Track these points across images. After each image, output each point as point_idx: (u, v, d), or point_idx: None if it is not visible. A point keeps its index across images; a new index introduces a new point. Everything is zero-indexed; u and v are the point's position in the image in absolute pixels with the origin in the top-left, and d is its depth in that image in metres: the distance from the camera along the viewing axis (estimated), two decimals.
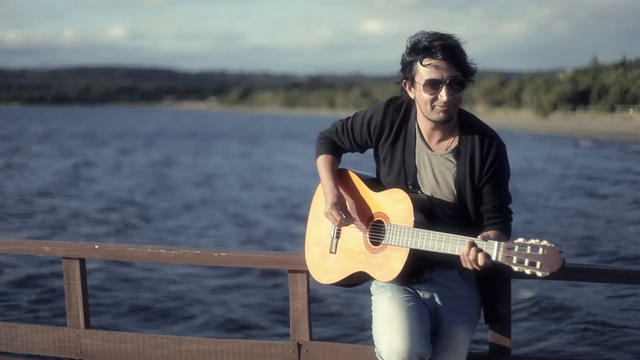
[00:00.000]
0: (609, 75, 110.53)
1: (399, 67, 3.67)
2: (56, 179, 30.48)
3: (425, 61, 3.50)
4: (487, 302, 3.83)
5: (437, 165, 3.68)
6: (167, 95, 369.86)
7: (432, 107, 3.55)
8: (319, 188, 3.94)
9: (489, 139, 3.66)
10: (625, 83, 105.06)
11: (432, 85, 3.51)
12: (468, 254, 3.33)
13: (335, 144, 3.94)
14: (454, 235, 3.42)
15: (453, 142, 3.68)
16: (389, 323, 3.53)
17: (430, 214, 3.62)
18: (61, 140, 62.08)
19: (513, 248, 3.22)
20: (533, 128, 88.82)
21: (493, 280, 3.74)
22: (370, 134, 3.80)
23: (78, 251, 4.58)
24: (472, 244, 3.34)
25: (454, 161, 3.65)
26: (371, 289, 3.81)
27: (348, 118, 3.93)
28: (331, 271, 3.86)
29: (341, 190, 3.81)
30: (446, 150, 3.68)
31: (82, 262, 4.57)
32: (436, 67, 3.49)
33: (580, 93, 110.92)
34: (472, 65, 3.60)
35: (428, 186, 3.68)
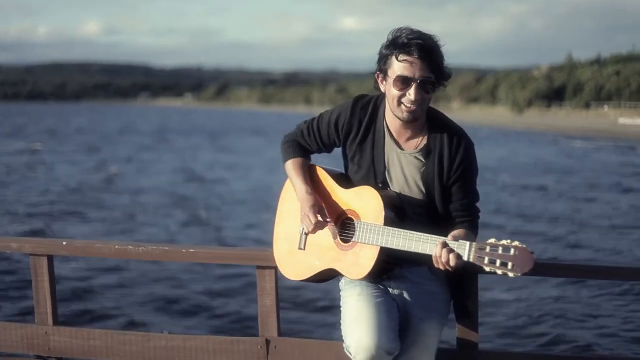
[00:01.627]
0: (584, 72, 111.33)
1: (376, 60, 3.66)
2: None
3: (401, 57, 3.49)
4: (456, 298, 3.86)
5: (406, 163, 3.68)
6: (142, 91, 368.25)
7: (399, 104, 3.55)
8: (287, 183, 3.93)
9: (458, 138, 3.66)
10: (600, 80, 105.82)
11: (403, 81, 3.51)
12: (440, 254, 3.34)
13: (302, 146, 3.92)
14: (425, 234, 3.42)
15: (422, 140, 3.68)
16: (357, 318, 3.53)
17: (399, 211, 3.62)
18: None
19: (484, 248, 3.24)
20: (508, 124, 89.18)
21: (461, 276, 3.76)
22: (339, 133, 3.79)
23: (46, 248, 4.56)
24: (444, 245, 3.35)
25: (423, 160, 3.66)
26: (340, 284, 3.81)
27: (313, 119, 3.91)
28: (300, 267, 3.86)
29: (316, 188, 3.80)
30: (415, 148, 3.68)
31: (50, 258, 4.55)
32: (410, 64, 3.48)
33: (556, 90, 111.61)
34: (447, 70, 3.59)
35: (397, 184, 3.68)
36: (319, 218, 3.67)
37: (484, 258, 3.23)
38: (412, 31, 3.53)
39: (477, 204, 3.74)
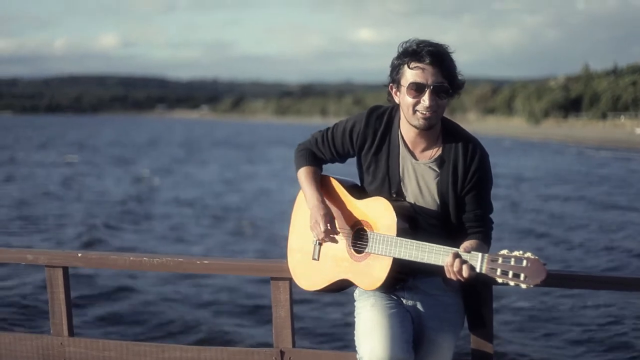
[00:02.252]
0: (600, 82, 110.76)
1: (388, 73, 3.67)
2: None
3: (413, 64, 3.51)
4: (470, 309, 3.86)
5: (420, 173, 3.67)
6: (158, 104, 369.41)
7: (414, 112, 3.55)
8: (301, 194, 3.92)
9: (473, 148, 3.66)
10: (617, 90, 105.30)
11: (416, 88, 3.51)
12: (452, 265, 3.32)
13: (316, 155, 3.93)
14: (437, 245, 3.41)
15: (437, 151, 3.68)
16: (371, 329, 3.53)
17: (413, 222, 3.62)
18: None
19: (497, 260, 3.23)
20: (525, 135, 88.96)
21: (475, 287, 3.76)
22: (353, 144, 3.79)
23: (61, 259, 4.59)
24: (456, 255, 3.33)
25: (437, 170, 3.65)
26: (354, 294, 3.81)
27: (328, 128, 3.92)
28: (314, 278, 3.86)
29: (330, 199, 3.81)
30: (430, 159, 3.67)
31: (65, 270, 4.57)
32: (422, 70, 3.49)
33: (572, 100, 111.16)
34: (459, 77, 3.59)
35: (412, 195, 3.68)
36: (329, 227, 3.67)
37: (496, 270, 3.22)
38: (421, 40, 3.56)
39: (491, 216, 3.74)
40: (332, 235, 3.71)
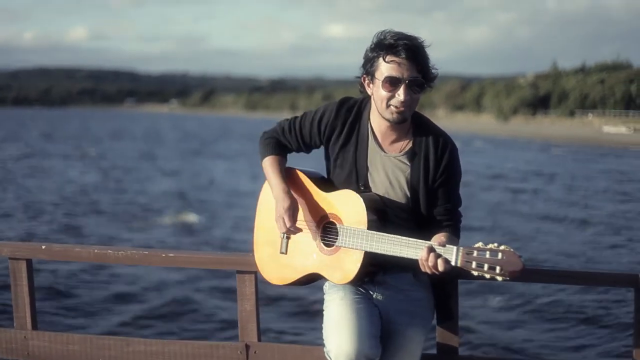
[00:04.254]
0: (569, 80, 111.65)
1: (362, 64, 3.63)
2: None
3: (388, 58, 3.48)
4: (438, 303, 3.86)
5: (390, 167, 3.66)
6: (128, 97, 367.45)
7: (388, 106, 3.52)
8: (266, 185, 3.88)
9: (444, 142, 3.65)
10: (585, 88, 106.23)
11: (392, 82, 3.48)
12: (427, 259, 3.30)
13: (281, 144, 3.89)
14: (410, 238, 3.39)
15: (407, 144, 3.66)
16: (338, 323, 3.52)
17: (382, 214, 3.60)
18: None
19: (472, 253, 3.21)
20: (494, 132, 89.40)
21: (443, 281, 3.75)
22: (321, 134, 3.76)
23: (25, 252, 4.53)
24: (431, 249, 3.31)
25: (408, 163, 3.64)
26: (324, 287, 3.80)
27: (296, 117, 3.88)
28: (283, 272, 3.83)
29: (296, 192, 3.77)
30: (400, 152, 3.66)
31: (29, 262, 4.52)
32: (398, 64, 3.47)
33: (541, 98, 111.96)
34: (433, 70, 3.58)
35: (380, 187, 3.66)
36: (294, 219, 3.67)
37: (471, 262, 3.20)
38: (397, 33, 3.53)
39: (460, 209, 3.74)
40: (298, 228, 3.69)
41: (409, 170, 3.63)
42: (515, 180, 33.92)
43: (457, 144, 3.73)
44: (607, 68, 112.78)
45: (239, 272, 4.20)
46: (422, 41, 3.54)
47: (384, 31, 3.55)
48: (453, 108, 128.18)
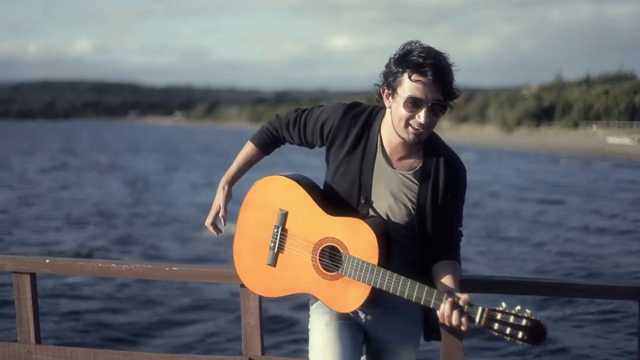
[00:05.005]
0: (572, 91, 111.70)
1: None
2: None
3: (414, 77, 3.33)
4: (428, 320, 3.73)
5: (396, 183, 3.54)
6: (131, 110, 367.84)
7: (406, 125, 3.40)
8: (255, 187, 3.76)
9: (455, 164, 3.57)
10: (589, 99, 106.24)
11: (414, 103, 3.35)
12: (451, 316, 3.21)
13: (276, 138, 3.86)
14: (427, 286, 3.30)
15: (417, 162, 3.55)
16: (323, 353, 3.51)
17: (387, 238, 3.49)
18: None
19: (496, 316, 3.16)
20: (498, 144, 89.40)
21: None
22: (323, 137, 3.64)
23: (28, 266, 4.53)
24: (455, 306, 3.21)
25: (417, 182, 3.52)
26: (310, 303, 3.75)
27: (304, 110, 3.76)
28: (270, 284, 3.71)
29: (292, 205, 3.63)
30: (409, 169, 3.55)
31: (33, 276, 4.52)
32: (423, 85, 3.33)
33: (545, 109, 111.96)
34: (456, 91, 3.48)
35: (383, 203, 3.54)
36: (222, 212, 3.77)
37: (494, 324, 3.16)
38: (425, 48, 3.38)
39: (460, 228, 3.67)
40: (290, 245, 3.61)
41: (417, 189, 3.52)
42: (544, 192, 34.09)
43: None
44: (611, 79, 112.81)
45: (242, 286, 4.16)
46: (448, 57, 3.42)
47: (411, 42, 3.43)
48: (457, 119, 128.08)
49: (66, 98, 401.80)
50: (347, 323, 3.60)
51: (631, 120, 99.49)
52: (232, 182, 3.87)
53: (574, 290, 4.16)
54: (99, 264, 4.52)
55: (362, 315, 3.63)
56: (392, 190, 3.54)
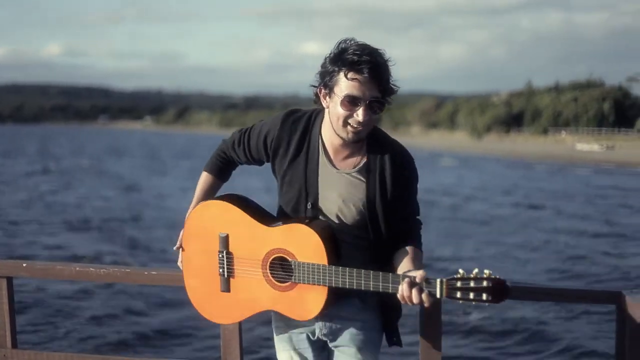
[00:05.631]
0: (542, 98, 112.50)
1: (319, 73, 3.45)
2: None
3: (350, 75, 3.26)
4: (387, 325, 3.70)
5: (343, 184, 3.48)
6: (101, 114, 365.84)
7: (345, 124, 3.35)
8: (190, 217, 3.70)
9: (399, 154, 3.50)
10: (558, 106, 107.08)
11: (352, 102, 3.29)
12: (410, 295, 3.14)
13: (228, 160, 3.82)
14: (381, 272, 3.24)
15: (361, 159, 3.49)
16: None
17: (331, 236, 3.43)
18: None
19: (455, 284, 3.10)
20: (468, 149, 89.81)
21: (393, 300, 3.48)
22: (267, 149, 3.59)
23: (5, 269, 4.49)
24: (412, 284, 3.15)
25: (363, 179, 3.47)
26: (272, 323, 3.75)
27: (247, 129, 3.73)
28: (229, 311, 3.63)
29: (230, 227, 3.55)
30: (354, 167, 3.49)
31: (10, 280, 4.48)
32: (360, 83, 3.27)
33: (514, 115, 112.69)
34: (394, 87, 3.39)
35: (332, 206, 3.49)
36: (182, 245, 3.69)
37: (456, 293, 3.10)
38: (360, 46, 3.31)
39: (419, 217, 3.62)
40: (241, 266, 3.55)
41: (364, 186, 3.47)
42: (528, 198, 34.39)
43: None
44: (580, 86, 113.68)
45: None
46: (384, 54, 3.35)
47: (346, 40, 3.36)
48: (427, 125, 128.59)
49: (35, 102, 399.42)
50: (310, 350, 3.64)
51: (600, 127, 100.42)
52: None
53: (551, 295, 4.18)
54: (77, 268, 4.48)
55: (322, 331, 3.61)
56: (340, 192, 3.49)
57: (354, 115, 3.31)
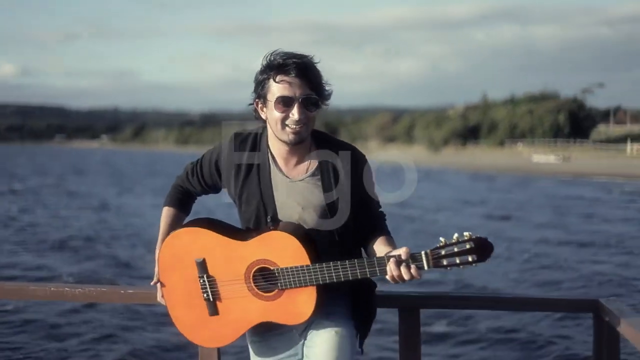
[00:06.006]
0: (498, 111, 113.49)
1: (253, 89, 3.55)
2: None
3: (279, 78, 3.39)
4: (363, 331, 3.70)
5: (299, 191, 3.54)
6: (57, 133, 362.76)
7: (283, 127, 3.43)
8: (163, 251, 3.68)
9: (351, 151, 3.59)
10: (514, 118, 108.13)
11: (284, 102, 3.39)
12: (400, 273, 3.24)
13: (185, 192, 3.84)
14: (367, 259, 3.34)
15: (312, 163, 3.56)
16: None
17: (306, 235, 3.47)
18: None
19: (440, 252, 3.22)
20: (426, 163, 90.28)
21: (367, 299, 3.67)
22: (220, 174, 3.66)
23: None
24: (399, 262, 3.25)
25: (318, 183, 3.54)
26: (249, 345, 3.78)
27: (198, 160, 3.77)
28: (222, 332, 3.62)
29: (204, 251, 3.55)
30: (307, 173, 3.56)
31: None
32: (289, 84, 3.38)
33: (471, 128, 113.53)
34: (328, 88, 3.50)
35: (293, 215, 3.53)
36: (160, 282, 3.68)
37: (442, 261, 3.22)
38: (286, 52, 3.45)
39: (381, 209, 3.68)
40: (226, 285, 3.55)
41: (320, 190, 3.53)
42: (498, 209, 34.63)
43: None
44: (535, 98, 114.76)
45: None
46: (312, 58, 3.47)
47: (272, 52, 3.48)
48: (385, 139, 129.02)
49: None
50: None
51: (555, 138, 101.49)
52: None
53: (529, 304, 4.22)
54: (52, 288, 4.43)
55: (300, 341, 3.63)
56: (297, 200, 3.55)
57: (290, 115, 3.41)
